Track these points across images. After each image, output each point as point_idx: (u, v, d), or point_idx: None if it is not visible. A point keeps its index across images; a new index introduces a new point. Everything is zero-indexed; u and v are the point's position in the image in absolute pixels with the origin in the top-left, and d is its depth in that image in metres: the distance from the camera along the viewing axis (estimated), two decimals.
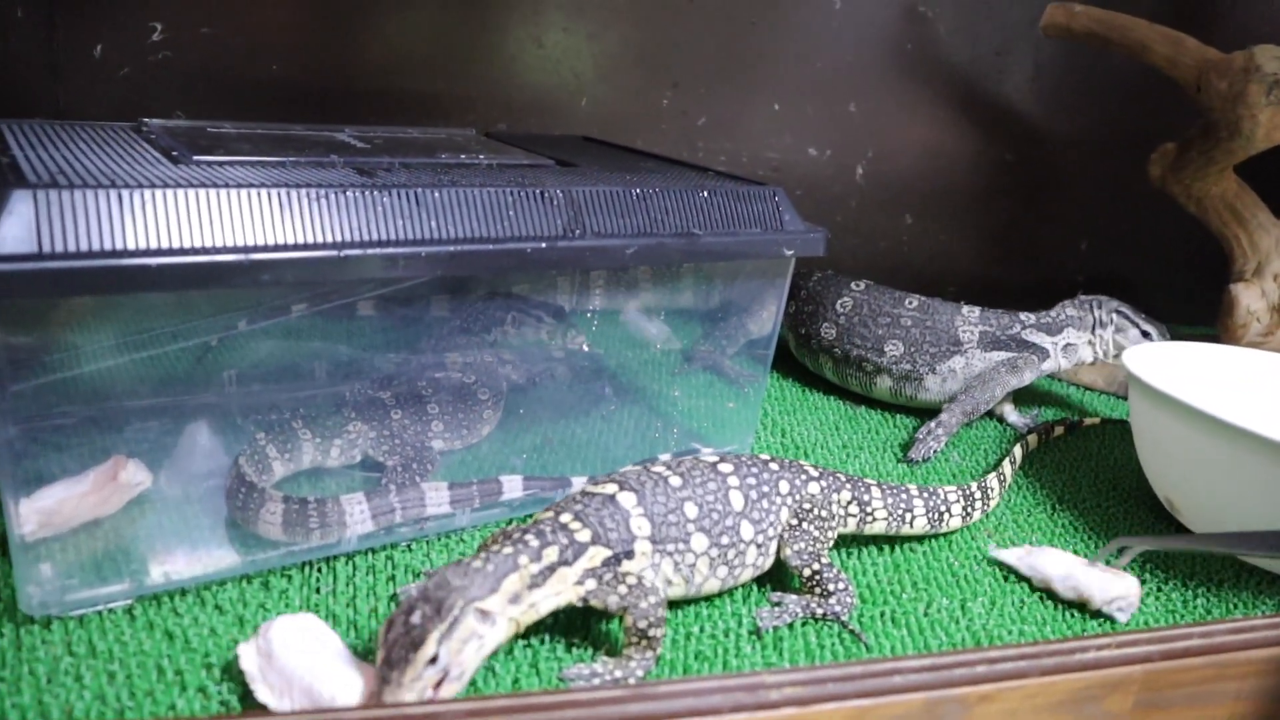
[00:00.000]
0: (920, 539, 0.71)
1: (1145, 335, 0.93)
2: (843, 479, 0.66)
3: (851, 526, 0.67)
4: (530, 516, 0.63)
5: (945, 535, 0.72)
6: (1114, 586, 0.64)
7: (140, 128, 0.72)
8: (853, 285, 0.98)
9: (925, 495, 0.69)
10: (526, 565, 0.52)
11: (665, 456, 0.68)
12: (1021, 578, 0.67)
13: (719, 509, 0.59)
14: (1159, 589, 0.68)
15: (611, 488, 0.58)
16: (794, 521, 0.62)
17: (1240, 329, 1.09)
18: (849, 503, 0.66)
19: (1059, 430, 0.93)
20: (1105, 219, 1.37)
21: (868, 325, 0.94)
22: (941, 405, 0.91)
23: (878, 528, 0.68)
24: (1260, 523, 0.67)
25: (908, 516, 0.68)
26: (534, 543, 0.53)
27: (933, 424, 0.88)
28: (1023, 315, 0.93)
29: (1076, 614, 0.64)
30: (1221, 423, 0.65)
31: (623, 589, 0.54)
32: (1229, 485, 0.68)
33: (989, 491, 0.74)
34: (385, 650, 0.46)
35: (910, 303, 0.95)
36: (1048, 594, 0.66)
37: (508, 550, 0.52)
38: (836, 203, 1.24)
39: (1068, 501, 0.80)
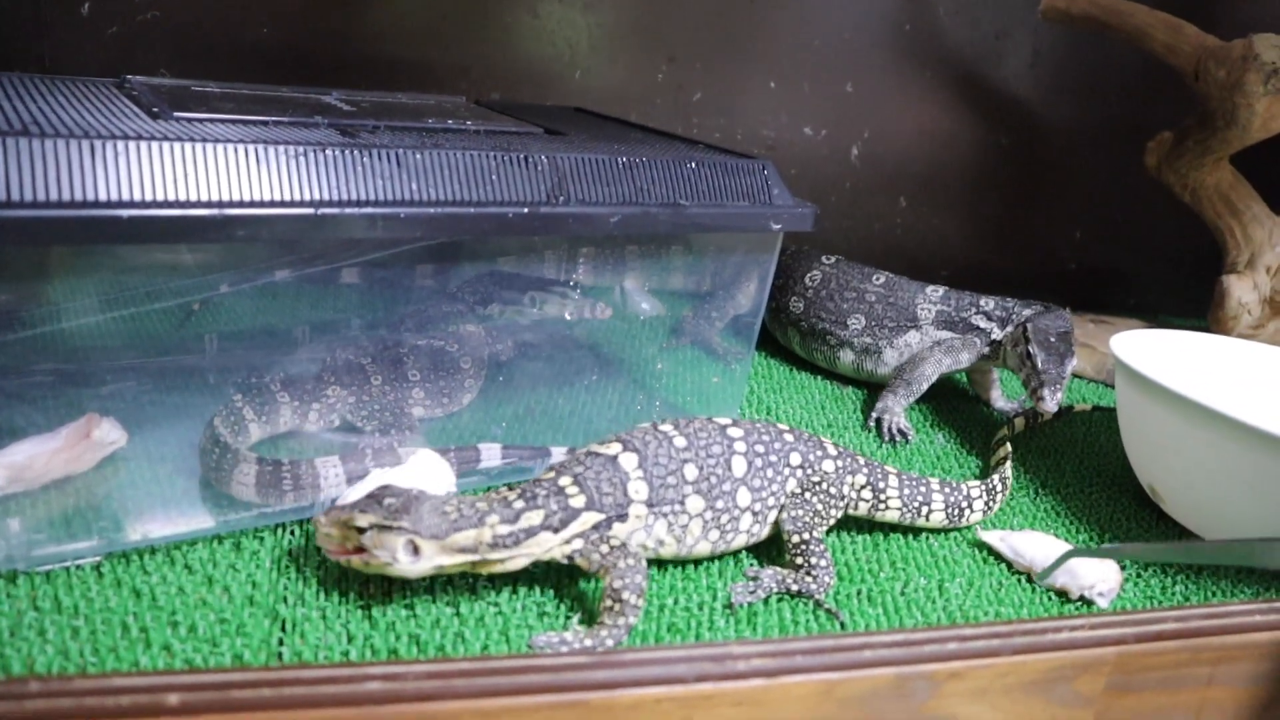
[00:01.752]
0: (935, 532, 0.70)
1: (1028, 358, 0.84)
2: (861, 462, 0.66)
3: (863, 511, 0.66)
4: (509, 484, 0.63)
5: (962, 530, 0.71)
6: (1095, 571, 0.63)
7: (123, 84, 0.71)
8: (824, 259, 0.98)
9: (947, 490, 0.68)
10: (494, 525, 0.53)
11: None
12: (1001, 559, 0.67)
13: (718, 473, 0.60)
14: (1138, 575, 0.67)
15: (615, 448, 0.59)
16: (798, 490, 0.62)
17: (1231, 321, 1.08)
18: (863, 487, 0.65)
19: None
20: (1100, 208, 1.36)
21: (834, 299, 0.94)
22: None
23: (890, 516, 0.67)
24: (1241, 511, 0.67)
25: (924, 510, 0.67)
26: (517, 505, 0.54)
27: (879, 414, 0.86)
28: (982, 300, 0.92)
29: (1054, 597, 0.63)
30: (1206, 410, 0.65)
31: (605, 548, 0.55)
32: (1212, 472, 0.67)
33: (1006, 483, 0.73)
34: (365, 495, 0.53)
35: (878, 279, 0.95)
36: (1028, 577, 0.65)
37: (483, 506, 0.54)
38: (831, 184, 1.23)
39: (1050, 487, 0.80)
